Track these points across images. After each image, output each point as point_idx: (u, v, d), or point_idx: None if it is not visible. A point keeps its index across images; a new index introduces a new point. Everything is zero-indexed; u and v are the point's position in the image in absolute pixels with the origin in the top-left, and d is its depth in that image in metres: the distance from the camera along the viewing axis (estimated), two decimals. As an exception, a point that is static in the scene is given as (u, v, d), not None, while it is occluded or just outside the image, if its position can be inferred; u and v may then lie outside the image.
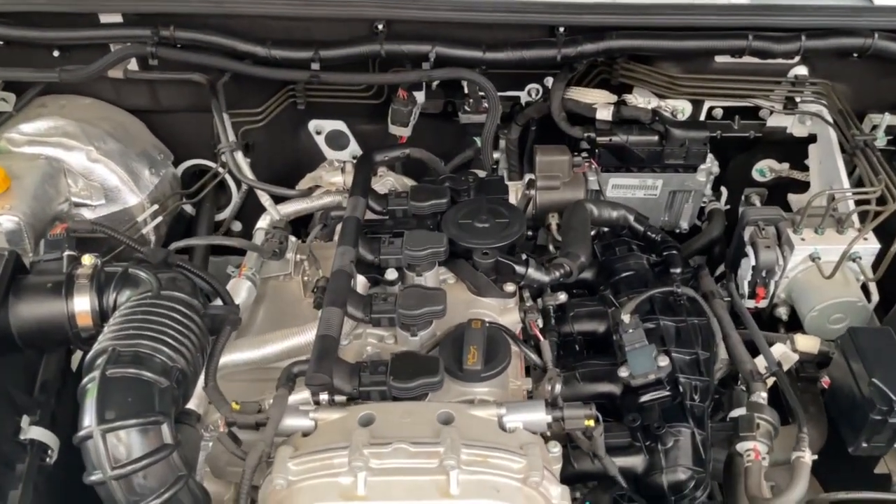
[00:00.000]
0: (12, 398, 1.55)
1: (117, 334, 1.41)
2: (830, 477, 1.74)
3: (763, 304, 2.04)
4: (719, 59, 2.19)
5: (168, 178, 2.37)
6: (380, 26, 2.10)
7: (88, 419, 1.28)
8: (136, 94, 2.32)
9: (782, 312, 2.04)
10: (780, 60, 2.17)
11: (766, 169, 2.51)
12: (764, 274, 1.98)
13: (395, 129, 2.33)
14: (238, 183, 2.55)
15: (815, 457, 1.56)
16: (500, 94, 2.22)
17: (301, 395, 1.56)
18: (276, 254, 2.02)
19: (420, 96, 2.39)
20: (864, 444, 1.59)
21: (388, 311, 1.63)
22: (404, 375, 1.48)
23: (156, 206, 2.26)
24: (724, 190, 2.47)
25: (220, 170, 2.42)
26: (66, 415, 1.71)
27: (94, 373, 1.34)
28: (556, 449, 1.44)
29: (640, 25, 2.07)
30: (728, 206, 2.47)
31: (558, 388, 1.53)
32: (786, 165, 2.47)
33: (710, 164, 2.31)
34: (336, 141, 2.59)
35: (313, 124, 2.57)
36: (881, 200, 1.92)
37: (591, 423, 1.44)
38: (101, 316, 1.56)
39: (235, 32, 2.11)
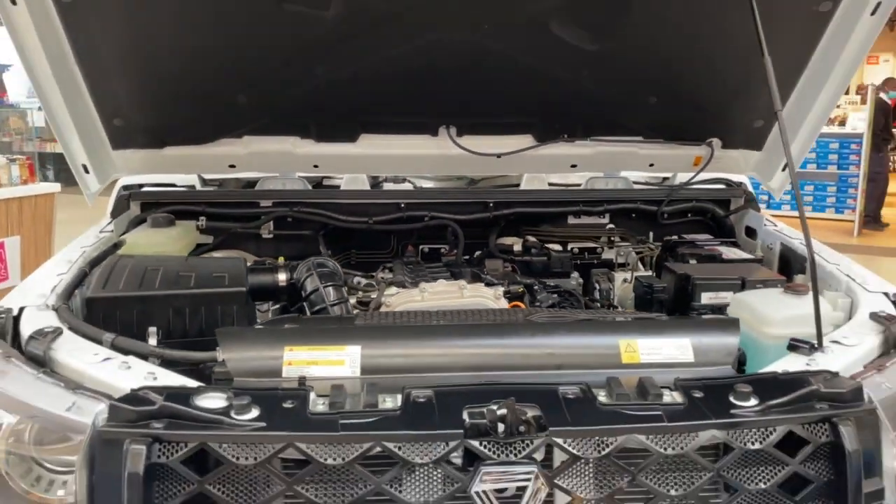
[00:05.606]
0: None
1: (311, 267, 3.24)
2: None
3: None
4: (571, 219, 4.39)
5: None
6: (402, 204, 4.25)
7: (313, 284, 3.06)
8: (267, 249, 4.28)
9: (619, 318, 3.90)
10: (597, 219, 4.39)
11: (610, 289, 4.53)
12: (605, 296, 3.91)
13: (405, 267, 4.31)
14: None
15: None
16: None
17: (389, 302, 3.32)
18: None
19: (417, 256, 4.44)
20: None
21: None
22: (438, 283, 3.31)
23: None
24: (590, 302, 4.45)
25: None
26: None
27: (310, 272, 3.14)
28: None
29: (529, 200, 4.29)
30: (594, 310, 4.42)
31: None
32: (620, 287, 4.52)
33: (577, 276, 4.32)
34: (367, 287, 4.52)
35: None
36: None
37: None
38: (290, 280, 3.35)
39: (329, 208, 4.20)
